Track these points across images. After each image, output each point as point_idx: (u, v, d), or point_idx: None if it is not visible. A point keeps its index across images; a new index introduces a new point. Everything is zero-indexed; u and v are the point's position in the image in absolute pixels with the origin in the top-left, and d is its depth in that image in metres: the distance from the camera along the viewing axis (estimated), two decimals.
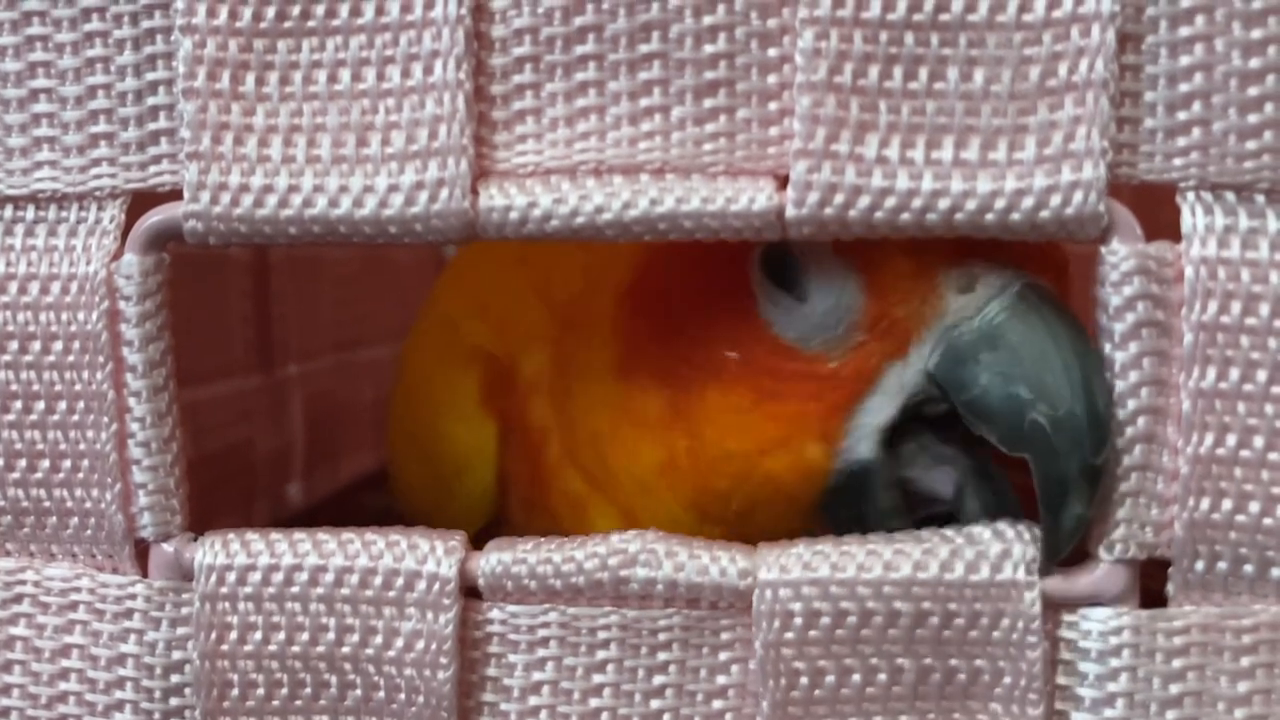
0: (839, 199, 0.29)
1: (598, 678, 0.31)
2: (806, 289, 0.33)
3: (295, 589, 0.31)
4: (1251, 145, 0.29)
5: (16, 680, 0.33)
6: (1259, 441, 0.29)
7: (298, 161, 0.30)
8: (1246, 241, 0.29)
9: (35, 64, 0.31)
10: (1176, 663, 0.30)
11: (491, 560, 0.31)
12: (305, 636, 0.31)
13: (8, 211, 0.32)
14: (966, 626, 0.30)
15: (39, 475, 0.32)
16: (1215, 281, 0.29)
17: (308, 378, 0.62)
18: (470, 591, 0.31)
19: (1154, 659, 0.30)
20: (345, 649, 0.31)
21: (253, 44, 0.30)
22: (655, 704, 0.31)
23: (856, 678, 0.30)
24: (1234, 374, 0.29)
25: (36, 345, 0.32)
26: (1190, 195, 0.29)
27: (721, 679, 0.31)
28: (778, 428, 0.33)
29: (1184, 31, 0.28)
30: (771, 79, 0.29)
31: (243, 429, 0.56)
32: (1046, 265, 0.32)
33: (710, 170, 0.30)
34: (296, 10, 0.30)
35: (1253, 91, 0.28)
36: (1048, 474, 0.29)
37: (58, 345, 0.32)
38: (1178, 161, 0.29)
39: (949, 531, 0.31)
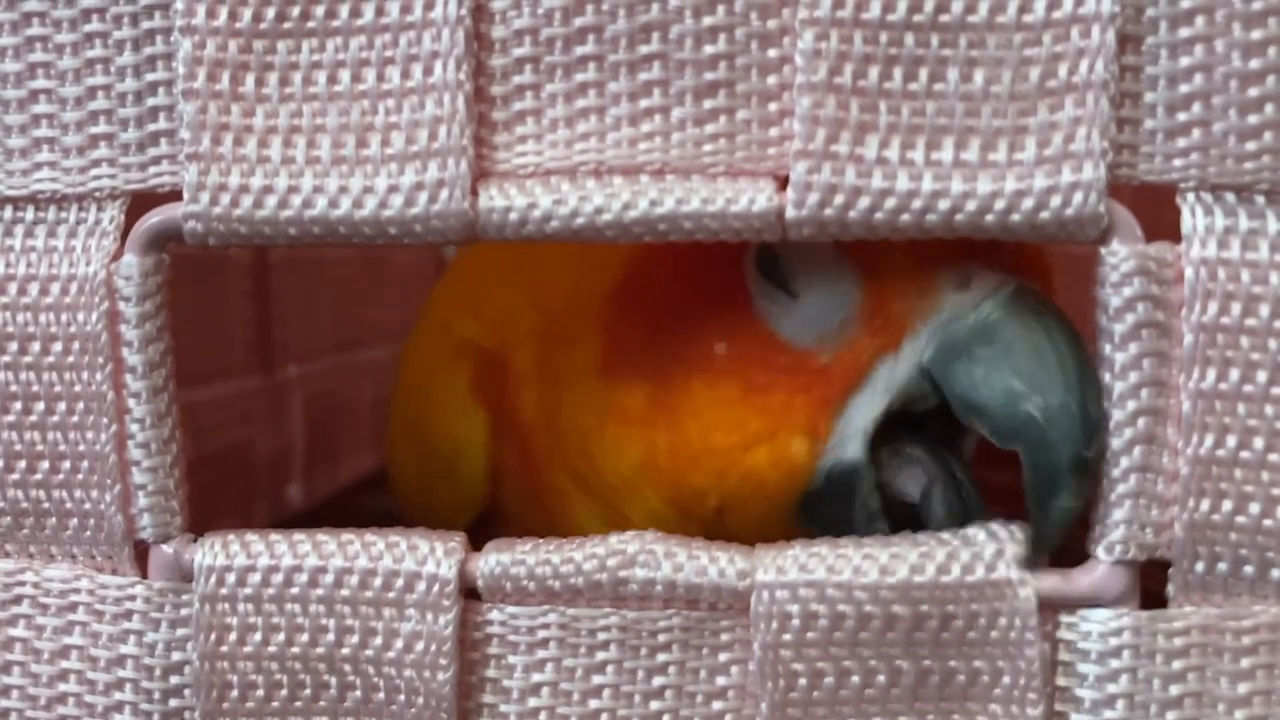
0: (839, 200, 0.29)
1: (597, 679, 0.31)
2: (800, 285, 0.33)
3: (295, 590, 0.31)
4: (1251, 146, 0.29)
5: (16, 681, 0.33)
6: (1259, 443, 0.29)
7: (297, 162, 0.30)
8: (1246, 242, 0.29)
9: (35, 65, 0.31)
10: (1176, 664, 0.30)
11: (490, 561, 0.31)
12: (305, 638, 0.31)
13: (7, 212, 0.32)
14: (964, 627, 0.30)
15: (38, 476, 0.32)
16: (1215, 282, 0.29)
17: (307, 379, 0.62)
18: (470, 593, 0.31)
19: (1154, 660, 0.30)
20: (345, 650, 0.31)
21: (252, 45, 0.30)
22: (655, 705, 0.31)
23: (855, 679, 0.30)
24: (1234, 375, 0.29)
25: (36, 346, 0.32)
26: (1190, 196, 0.29)
27: (721, 680, 0.31)
28: (763, 420, 0.33)
29: (1184, 33, 0.28)
30: (771, 80, 0.29)
31: (242, 430, 0.56)
32: (1035, 273, 0.33)
33: (710, 171, 0.30)
34: (296, 11, 0.30)
35: (1253, 92, 0.28)
36: (1039, 465, 0.30)
37: (57, 346, 0.32)
38: (1178, 162, 0.29)
39: (946, 535, 0.31)
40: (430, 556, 0.31)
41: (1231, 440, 0.29)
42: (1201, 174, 0.29)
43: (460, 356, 0.41)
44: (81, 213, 0.32)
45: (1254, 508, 0.29)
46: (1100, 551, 0.30)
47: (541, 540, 0.32)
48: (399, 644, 0.31)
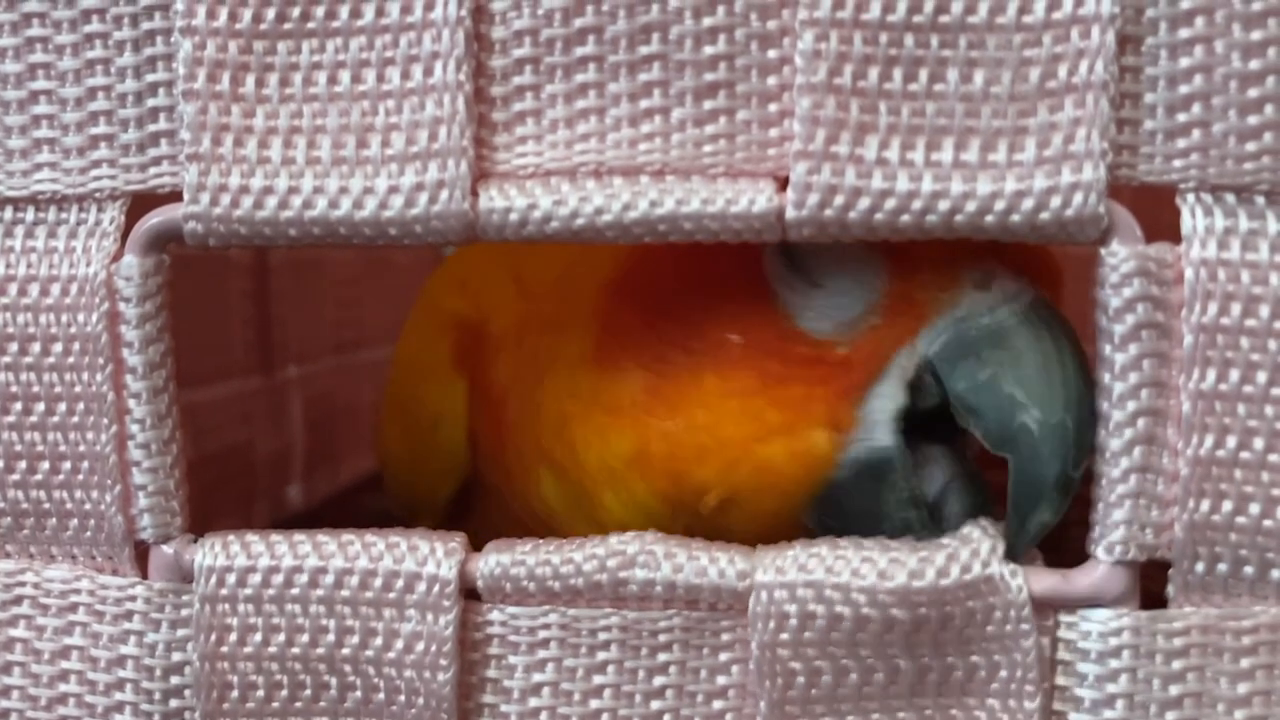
0: (839, 200, 0.29)
1: (598, 679, 0.31)
2: (826, 272, 0.33)
3: (295, 590, 0.31)
4: (1251, 147, 0.29)
5: (16, 682, 0.33)
6: (1259, 443, 0.29)
7: (297, 163, 0.30)
8: (1246, 243, 0.29)
9: (35, 66, 0.31)
10: (1176, 664, 0.30)
11: (490, 562, 0.31)
12: (305, 638, 0.31)
13: (7, 213, 0.32)
14: (961, 624, 0.30)
15: (39, 477, 0.32)
16: (1215, 283, 0.29)
17: (308, 379, 0.62)
18: (470, 593, 0.31)
19: (1154, 660, 0.30)
20: (345, 650, 0.31)
21: (252, 46, 0.30)
22: (655, 705, 0.31)
23: (854, 677, 0.30)
24: (1234, 376, 0.29)
25: (36, 347, 0.32)
26: (1190, 197, 0.29)
27: (722, 679, 0.31)
28: (782, 414, 0.32)
29: (1184, 33, 0.28)
30: (771, 81, 0.29)
31: (243, 431, 0.56)
32: (1053, 280, 0.33)
33: (710, 172, 0.30)
34: (296, 12, 0.30)
35: (1252, 93, 0.28)
36: (1026, 477, 0.30)
37: (57, 347, 0.32)
38: (1177, 163, 0.29)
39: (946, 539, 0.31)
40: (430, 557, 0.31)
41: (1231, 441, 0.29)
42: (1201, 175, 0.29)
43: (445, 329, 0.42)
44: (82, 213, 0.32)
45: (1254, 508, 0.29)
46: (1100, 552, 0.30)
47: (541, 541, 0.32)
48: (399, 644, 0.31)
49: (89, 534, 0.32)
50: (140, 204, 0.31)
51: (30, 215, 0.32)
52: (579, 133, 0.30)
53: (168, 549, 0.32)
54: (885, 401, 0.32)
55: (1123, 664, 0.30)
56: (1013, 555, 0.30)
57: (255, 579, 0.31)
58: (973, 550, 0.30)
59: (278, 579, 0.31)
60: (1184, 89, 0.29)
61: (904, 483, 0.32)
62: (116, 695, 0.32)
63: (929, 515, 0.32)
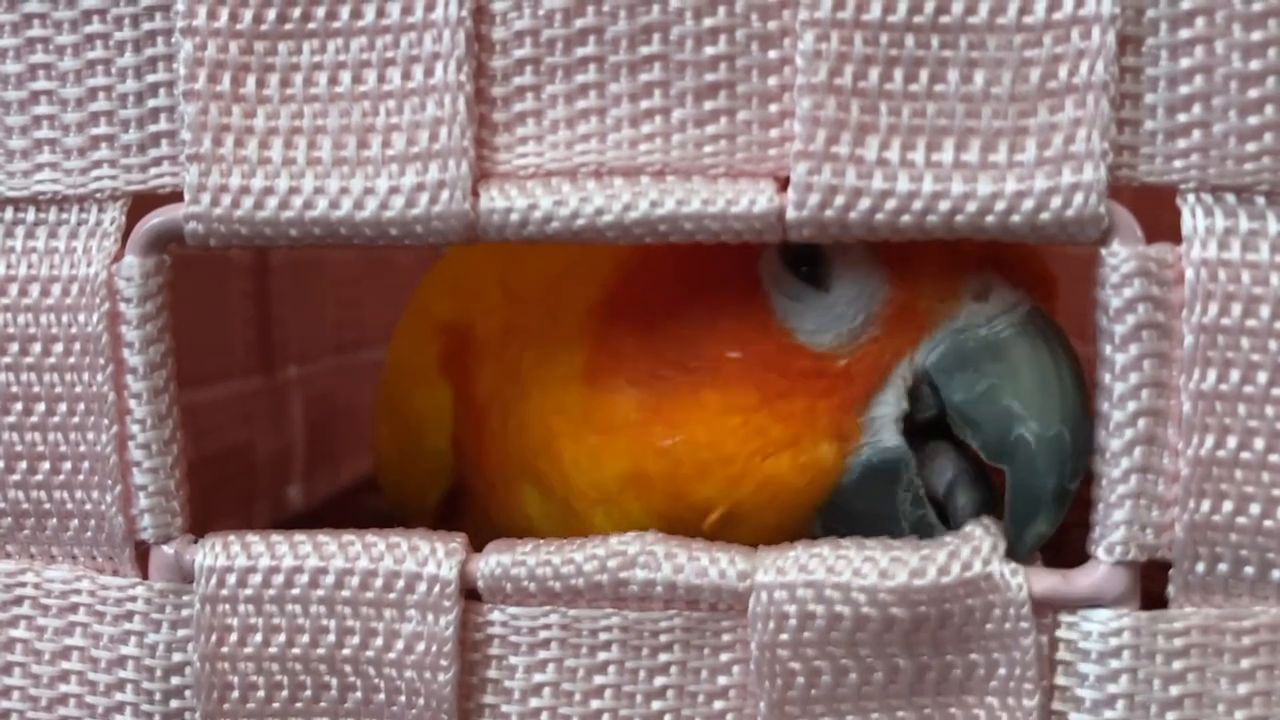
0: (839, 201, 0.29)
1: (599, 679, 0.31)
2: (830, 278, 0.33)
3: (296, 591, 0.31)
4: (1252, 147, 0.29)
5: (16, 682, 0.33)
6: (1260, 443, 0.29)
7: (298, 163, 0.30)
8: (1247, 243, 0.29)
9: (36, 66, 0.31)
10: (1177, 664, 0.30)
11: (491, 563, 0.31)
12: (305, 638, 0.31)
13: (8, 214, 0.32)
14: (961, 623, 0.30)
15: (39, 477, 0.32)
16: (1216, 283, 0.29)
17: (308, 380, 0.62)
18: (471, 593, 0.31)
19: (1154, 661, 0.30)
20: (345, 651, 0.31)
21: (253, 46, 0.30)
22: (656, 705, 0.31)
23: (853, 676, 0.30)
24: (1234, 376, 0.29)
25: (37, 347, 0.32)
26: (1190, 197, 0.29)
27: (722, 680, 0.31)
28: (786, 428, 0.32)
29: (1184, 34, 0.28)
30: (772, 81, 0.29)
31: (243, 431, 0.56)
32: (1048, 289, 0.33)
33: (711, 172, 0.30)
34: (297, 12, 0.30)
35: (1253, 94, 0.28)
36: (1023, 489, 0.30)
37: (58, 347, 0.32)
38: (1178, 164, 0.29)
39: (948, 537, 0.31)
40: (431, 557, 0.31)
41: (1232, 441, 0.29)
42: (1202, 175, 0.29)
43: (433, 333, 0.42)
44: (82, 214, 0.32)
45: (1254, 509, 0.29)
46: (1100, 552, 0.30)
47: (542, 541, 0.32)
48: (400, 645, 0.31)
49: (89, 534, 0.32)
50: (141, 204, 0.31)
51: (31, 215, 0.32)
52: (580, 133, 0.30)
53: (168, 549, 0.32)
54: (888, 408, 0.32)
55: (1123, 664, 0.30)
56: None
57: (256, 579, 0.31)
58: (974, 548, 0.30)
59: (278, 579, 0.31)
60: (1184, 89, 0.29)
61: (914, 480, 0.32)
62: (117, 696, 0.32)
63: (938, 511, 0.32)
